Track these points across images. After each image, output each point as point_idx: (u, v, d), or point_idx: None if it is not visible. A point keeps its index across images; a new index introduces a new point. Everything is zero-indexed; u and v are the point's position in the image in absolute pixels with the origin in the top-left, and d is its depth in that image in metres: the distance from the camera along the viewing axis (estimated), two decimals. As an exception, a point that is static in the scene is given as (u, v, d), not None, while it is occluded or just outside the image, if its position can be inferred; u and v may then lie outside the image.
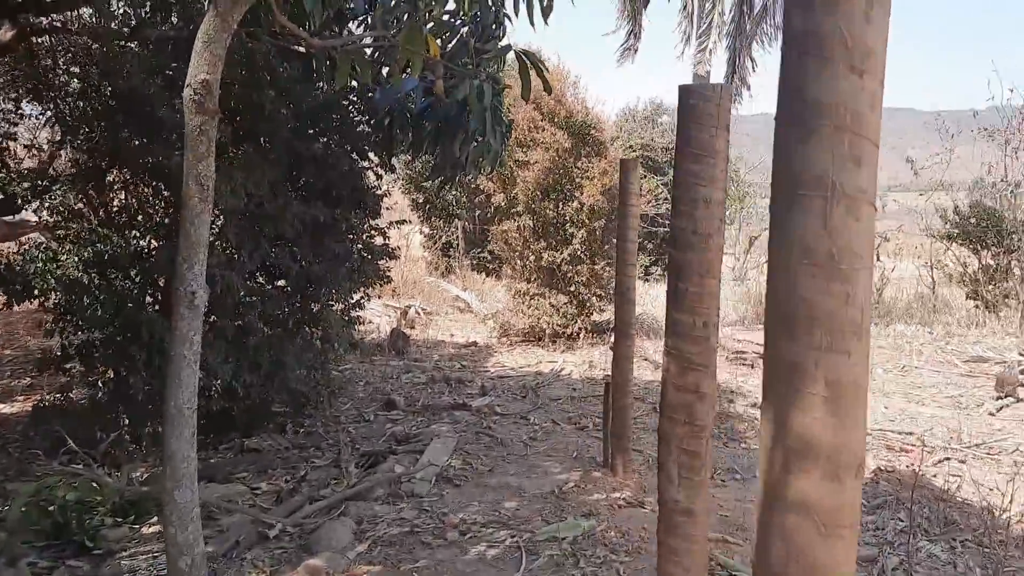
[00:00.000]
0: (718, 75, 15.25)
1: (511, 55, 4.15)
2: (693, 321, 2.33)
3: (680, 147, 2.33)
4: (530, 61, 4.02)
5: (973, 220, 13.32)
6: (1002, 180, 14.21)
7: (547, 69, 4.14)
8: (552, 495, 5.38)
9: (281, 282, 6.46)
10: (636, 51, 13.81)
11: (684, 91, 2.32)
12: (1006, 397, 7.83)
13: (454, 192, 16.95)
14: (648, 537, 4.69)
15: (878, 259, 14.11)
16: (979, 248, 13.35)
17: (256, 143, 6.01)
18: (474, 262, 17.46)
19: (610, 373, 8.94)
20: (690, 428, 2.36)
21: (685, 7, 12.83)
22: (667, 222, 19.25)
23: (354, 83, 6.39)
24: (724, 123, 2.28)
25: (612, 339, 10.39)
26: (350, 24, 5.48)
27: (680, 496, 2.38)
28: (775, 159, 1.39)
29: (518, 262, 11.03)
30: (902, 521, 5.00)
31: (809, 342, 1.33)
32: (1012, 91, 23.42)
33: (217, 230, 5.79)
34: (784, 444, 1.31)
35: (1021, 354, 9.26)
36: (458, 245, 17.59)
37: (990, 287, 13.01)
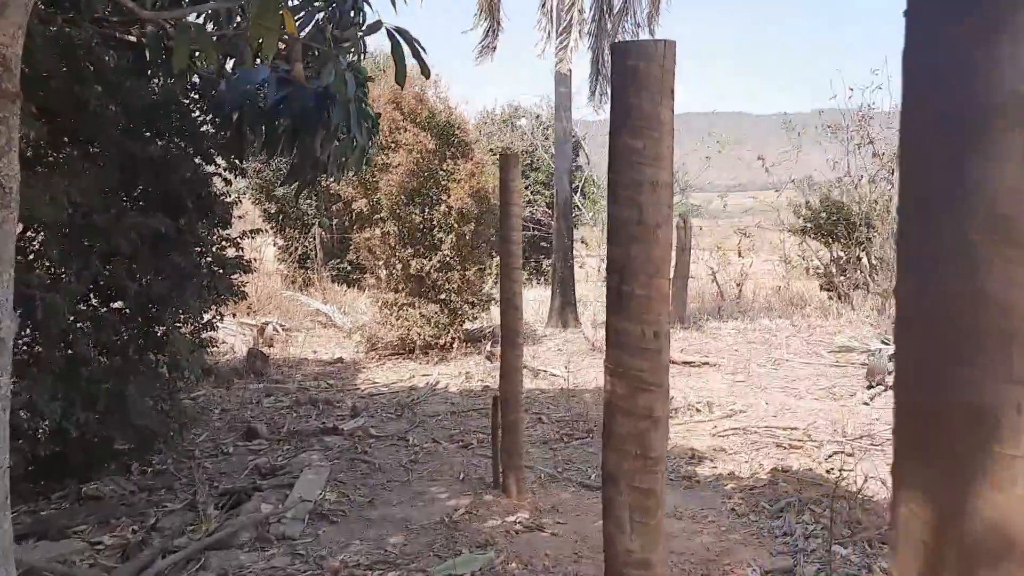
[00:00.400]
0: (581, 74, 15.18)
1: (382, 33, 3.63)
2: (642, 331, 1.91)
3: (617, 120, 1.91)
4: (404, 39, 3.52)
5: (824, 214, 13.78)
6: (847, 175, 14.82)
7: (424, 50, 3.66)
8: (442, 525, 4.88)
9: (118, 304, 5.65)
10: (495, 49, 13.48)
11: (620, 50, 1.90)
12: (877, 385, 7.95)
13: (309, 200, 16.12)
14: (553, 566, 4.28)
15: (739, 255, 14.42)
16: (830, 241, 13.83)
17: (81, 146, 5.22)
18: (334, 273, 16.66)
19: (490, 385, 8.56)
20: (643, 462, 1.94)
21: (544, 4, 12.61)
22: (531, 225, 19.16)
23: (196, 78, 5.71)
24: (669, 87, 1.87)
25: (489, 348, 10.01)
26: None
27: (635, 545, 1.95)
28: (912, 78, 0.93)
29: (384, 271, 10.44)
30: (809, 524, 4.82)
31: (1006, 372, 0.84)
32: (852, 90, 24.79)
33: (38, 246, 4.97)
34: (962, 539, 0.85)
35: (883, 342, 9.49)
36: (316, 256, 16.75)
37: (842, 278, 13.48)
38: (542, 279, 18.41)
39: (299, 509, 5.12)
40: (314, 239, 16.80)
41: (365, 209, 10.34)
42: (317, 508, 5.14)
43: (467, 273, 10.15)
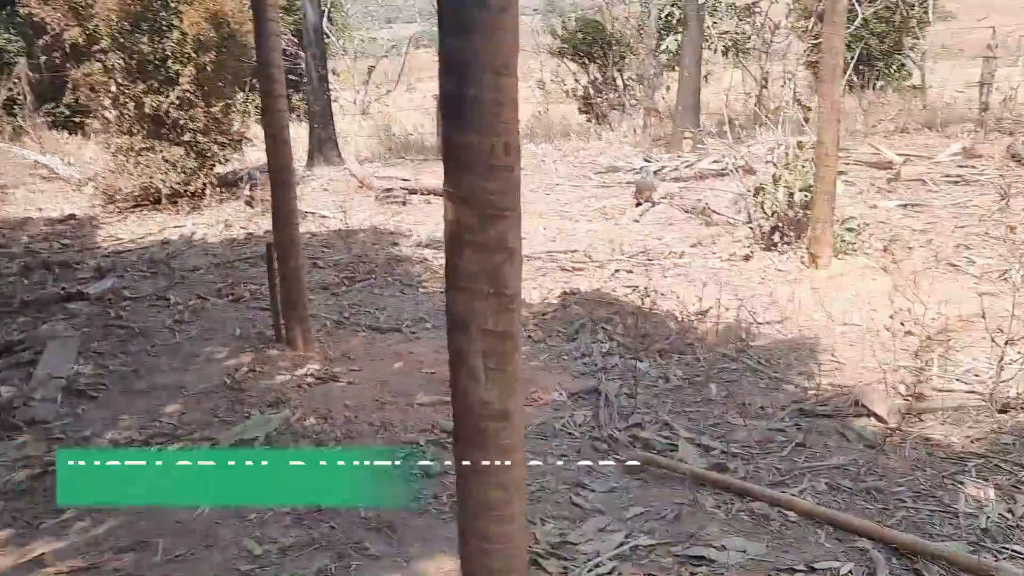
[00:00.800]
0: None
1: None
2: (491, 145, 1.55)
3: None
4: None
5: (580, 35, 13.75)
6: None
7: None
8: (224, 387, 4.43)
9: None
10: None
11: None
12: (645, 203, 8.19)
13: (7, 35, 13.69)
14: (355, 416, 4.02)
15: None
16: (587, 62, 13.89)
17: None
18: (50, 120, 14.50)
19: (254, 232, 7.87)
20: (497, 301, 1.64)
21: None
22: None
23: None
24: None
25: (247, 192, 9.18)
26: None
27: (492, 395, 1.68)
28: None
29: (112, 112, 9.10)
30: (603, 343, 4.88)
31: None
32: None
33: None
34: None
35: (646, 159, 9.79)
36: (25, 100, 14.42)
37: (599, 99, 13.70)
38: (294, 116, 17.19)
39: (49, 387, 4.44)
40: (19, 81, 14.40)
41: (80, 40, 8.81)
42: (71, 384, 4.49)
43: (212, 110, 9.09)
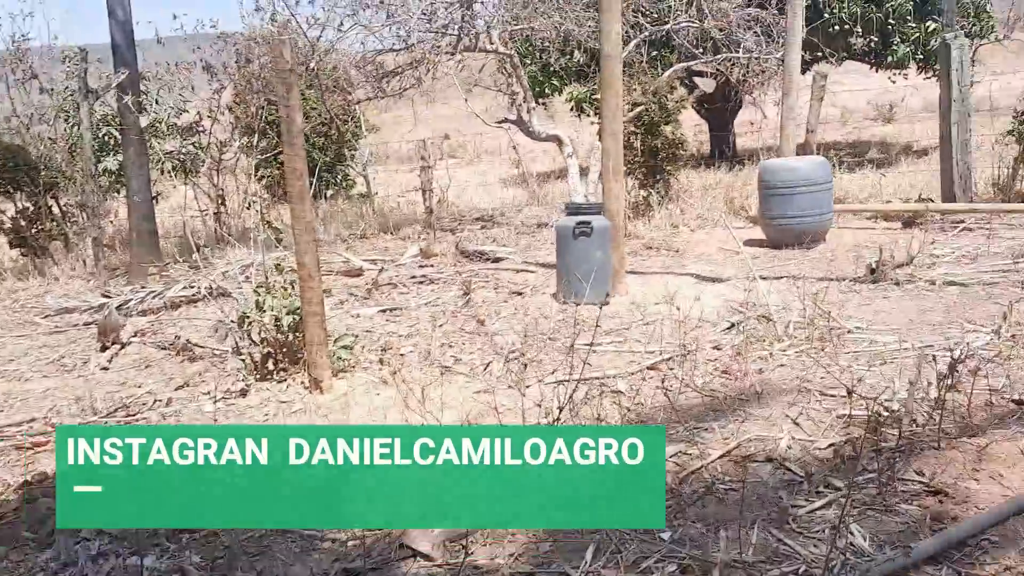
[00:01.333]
0: None
1: None
2: None
3: None
4: None
5: (-2, 161, 11.94)
6: (14, 115, 13.18)
7: None
8: None
9: None
10: None
11: None
12: (112, 345, 7.18)
13: None
14: None
15: None
16: (12, 190, 12.09)
17: None
18: None
19: None
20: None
21: None
22: None
23: None
24: None
25: None
26: None
27: None
28: None
29: None
30: (91, 540, 3.93)
31: None
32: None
33: None
34: None
35: (106, 295, 8.68)
36: None
37: (34, 231, 11.99)
38: None
39: None
40: None
41: None
42: None
43: None
